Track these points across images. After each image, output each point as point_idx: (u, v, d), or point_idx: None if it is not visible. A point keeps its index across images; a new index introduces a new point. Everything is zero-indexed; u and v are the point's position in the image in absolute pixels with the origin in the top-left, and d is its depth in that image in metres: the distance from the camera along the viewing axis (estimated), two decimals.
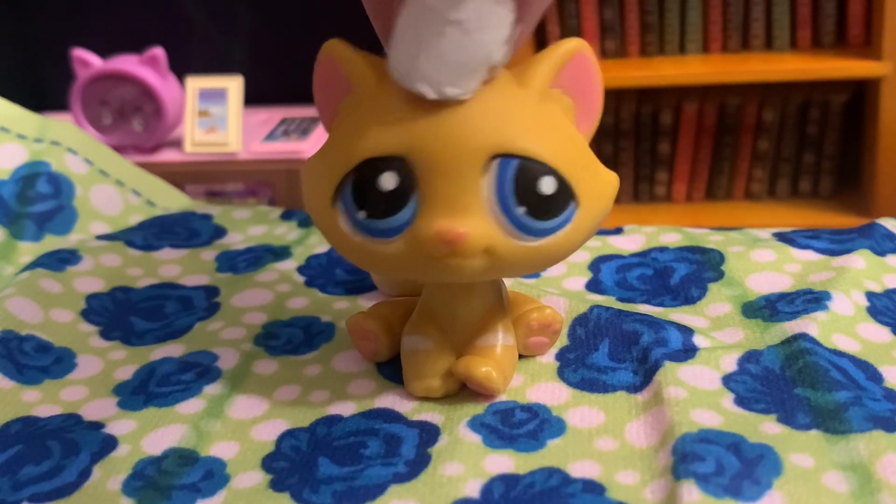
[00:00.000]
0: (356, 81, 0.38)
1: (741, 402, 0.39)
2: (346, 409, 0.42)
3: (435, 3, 0.35)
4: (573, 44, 0.38)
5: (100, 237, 0.60)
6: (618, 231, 0.57)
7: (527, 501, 0.35)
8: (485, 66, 0.36)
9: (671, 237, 0.56)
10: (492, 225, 0.36)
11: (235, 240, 0.61)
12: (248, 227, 0.63)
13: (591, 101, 0.39)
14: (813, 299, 0.46)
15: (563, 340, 0.45)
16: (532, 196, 0.36)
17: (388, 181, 0.36)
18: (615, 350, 0.44)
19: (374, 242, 0.37)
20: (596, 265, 0.53)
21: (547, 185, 0.36)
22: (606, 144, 1.29)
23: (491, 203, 0.36)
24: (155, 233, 0.61)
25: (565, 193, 0.37)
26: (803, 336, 0.42)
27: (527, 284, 0.50)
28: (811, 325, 0.43)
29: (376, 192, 0.37)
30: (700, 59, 1.24)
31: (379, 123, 0.37)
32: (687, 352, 0.42)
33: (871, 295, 0.47)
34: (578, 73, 0.38)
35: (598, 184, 0.39)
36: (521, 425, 0.40)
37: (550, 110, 0.38)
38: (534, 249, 0.37)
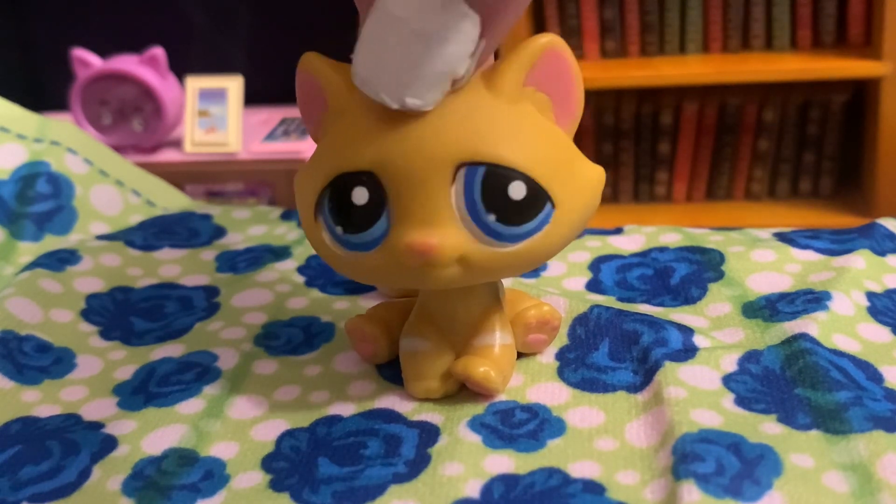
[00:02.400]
0: (330, 95, 0.38)
1: (741, 402, 0.39)
2: (346, 409, 0.42)
3: (400, 13, 0.35)
4: (543, 40, 0.37)
5: (100, 237, 0.60)
6: (618, 231, 0.57)
7: (527, 501, 0.35)
8: (448, 79, 0.36)
9: (671, 237, 0.56)
10: (464, 234, 0.36)
11: (235, 240, 0.61)
12: (248, 227, 0.63)
13: (568, 96, 0.38)
14: (813, 299, 0.46)
15: (563, 340, 0.45)
16: (501, 202, 0.36)
17: (360, 196, 0.36)
18: (615, 350, 0.44)
19: (354, 255, 0.38)
20: (596, 265, 0.53)
21: (516, 191, 0.36)
22: (606, 144, 1.29)
23: (461, 212, 0.36)
24: (155, 233, 0.61)
25: (538, 197, 0.37)
26: (803, 336, 0.42)
27: (527, 284, 0.50)
28: (811, 325, 0.43)
29: (350, 207, 0.37)
30: (700, 59, 1.24)
31: (349, 138, 0.37)
32: (687, 352, 0.42)
33: (871, 295, 0.47)
34: (551, 69, 0.38)
35: (578, 181, 0.38)
36: (521, 425, 0.40)
37: (524, 111, 0.37)
38: (510, 255, 0.37)
